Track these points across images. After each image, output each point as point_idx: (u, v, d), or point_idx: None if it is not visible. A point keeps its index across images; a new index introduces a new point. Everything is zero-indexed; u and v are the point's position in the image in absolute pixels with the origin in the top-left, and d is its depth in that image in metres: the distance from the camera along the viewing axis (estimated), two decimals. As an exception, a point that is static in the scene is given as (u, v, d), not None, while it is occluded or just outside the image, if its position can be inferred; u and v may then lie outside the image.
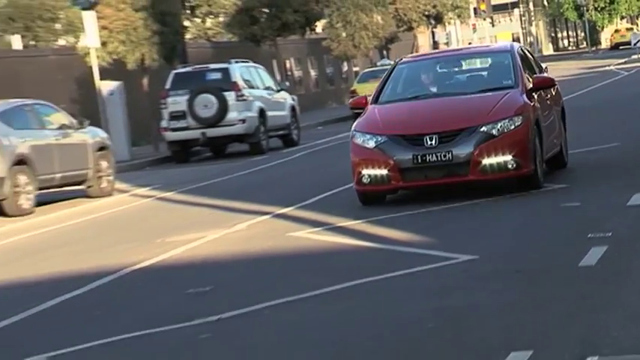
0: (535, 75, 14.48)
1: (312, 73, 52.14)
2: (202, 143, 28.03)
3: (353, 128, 13.52)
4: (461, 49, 16.17)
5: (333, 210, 13.43)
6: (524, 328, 7.04)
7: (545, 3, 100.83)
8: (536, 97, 13.82)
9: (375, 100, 14.06)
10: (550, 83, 14.57)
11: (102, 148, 20.87)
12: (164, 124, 27.91)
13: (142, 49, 30.89)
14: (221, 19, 47.27)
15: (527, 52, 15.31)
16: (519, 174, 12.91)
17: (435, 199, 13.08)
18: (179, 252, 11.86)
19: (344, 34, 46.04)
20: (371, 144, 13.03)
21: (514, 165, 12.79)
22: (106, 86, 29.24)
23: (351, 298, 8.57)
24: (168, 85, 28.05)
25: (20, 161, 18.69)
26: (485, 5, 68.00)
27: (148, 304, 9.36)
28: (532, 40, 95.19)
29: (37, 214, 18.23)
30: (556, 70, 57.01)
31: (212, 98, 27.30)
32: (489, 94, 13.63)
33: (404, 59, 15.55)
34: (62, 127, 20.27)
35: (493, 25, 79.07)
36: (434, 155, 12.71)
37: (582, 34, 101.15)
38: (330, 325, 7.77)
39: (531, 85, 13.88)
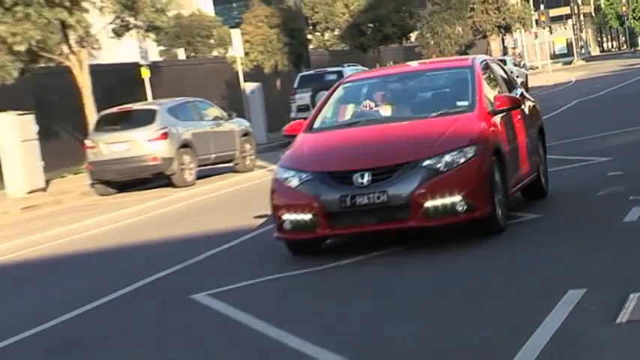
0: (496, 95, 9.50)
1: (408, 73, 51.75)
2: (323, 129, 28.10)
3: (278, 162, 9.15)
4: (416, 66, 11.04)
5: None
6: (579, 271, 6.86)
7: (593, 14, 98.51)
8: (499, 120, 9.17)
9: (309, 127, 9.45)
10: (514, 104, 9.42)
11: (246, 134, 21.04)
12: (292, 115, 28.08)
13: (276, 57, 31.04)
14: (336, 32, 47.21)
15: (495, 67, 10.24)
16: (472, 217, 8.27)
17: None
18: (305, 213, 11.82)
19: (432, 42, 45.81)
20: (294, 182, 8.58)
21: (464, 207, 8.22)
22: (249, 86, 29.46)
23: (435, 251, 8.42)
24: (295, 85, 28.20)
25: (184, 145, 18.99)
26: (544, 17, 66.86)
27: (280, 255, 9.37)
28: (582, 43, 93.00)
29: (197, 186, 18.50)
30: (602, 67, 55.64)
31: (330, 94, 27.34)
32: (439, 119, 8.94)
33: (349, 77, 10.56)
34: (215, 118, 20.51)
35: (551, 33, 77.41)
36: (365, 197, 8.20)
37: (623, 38, 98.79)
38: (418, 272, 7.66)
39: (492, 107, 9.21)
